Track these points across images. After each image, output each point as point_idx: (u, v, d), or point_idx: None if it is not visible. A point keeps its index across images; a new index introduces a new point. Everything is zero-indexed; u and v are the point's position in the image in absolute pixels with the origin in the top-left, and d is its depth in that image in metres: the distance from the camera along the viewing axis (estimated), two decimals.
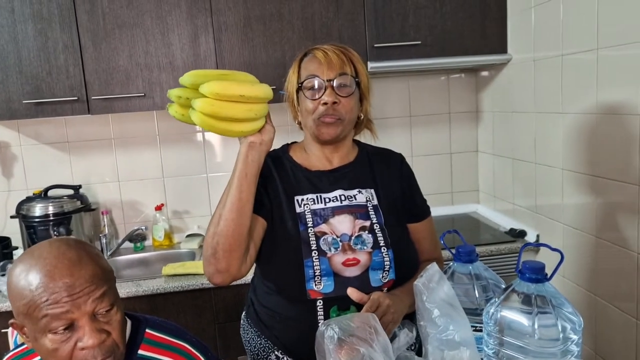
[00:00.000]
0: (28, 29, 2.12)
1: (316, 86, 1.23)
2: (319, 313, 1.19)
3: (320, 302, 1.19)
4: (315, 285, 1.19)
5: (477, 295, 1.14)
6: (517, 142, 2.35)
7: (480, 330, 1.08)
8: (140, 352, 1.05)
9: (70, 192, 2.44)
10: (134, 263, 2.50)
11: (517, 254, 2.23)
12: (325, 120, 1.23)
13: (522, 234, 2.31)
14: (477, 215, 2.77)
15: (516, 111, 2.33)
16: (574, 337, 0.98)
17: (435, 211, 2.91)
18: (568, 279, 2.00)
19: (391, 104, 2.72)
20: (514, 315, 1.00)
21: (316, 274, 1.18)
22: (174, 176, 2.63)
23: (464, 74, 2.75)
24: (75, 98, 2.18)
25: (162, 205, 2.59)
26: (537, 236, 2.21)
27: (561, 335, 0.97)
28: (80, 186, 2.47)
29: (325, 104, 1.21)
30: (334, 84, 1.22)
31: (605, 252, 1.77)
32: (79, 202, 2.40)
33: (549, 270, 1.00)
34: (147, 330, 1.08)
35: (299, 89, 1.26)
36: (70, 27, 2.14)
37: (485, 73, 2.63)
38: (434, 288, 1.09)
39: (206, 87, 1.03)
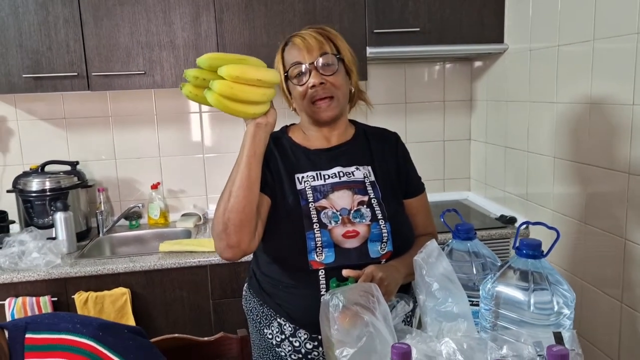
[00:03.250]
0: (29, 2, 2.11)
1: (301, 71, 1.27)
2: (321, 283, 1.24)
3: (322, 272, 1.23)
4: (317, 256, 1.23)
5: (474, 272, 1.19)
6: (510, 130, 2.40)
7: (477, 305, 1.13)
8: None
9: (67, 168, 2.45)
10: (130, 240, 2.52)
11: (507, 240, 2.29)
12: (320, 105, 1.28)
13: (512, 220, 2.36)
14: (468, 202, 2.82)
15: (510, 100, 2.37)
16: (567, 311, 1.03)
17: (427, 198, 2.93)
18: (556, 264, 2.06)
19: (387, 90, 2.75)
20: (511, 291, 1.04)
21: (317, 245, 1.22)
22: (171, 155, 2.65)
23: (459, 63, 2.78)
24: (75, 74, 2.18)
25: (158, 184, 2.61)
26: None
27: (555, 309, 1.02)
28: (77, 162, 2.48)
29: (313, 86, 1.26)
30: (318, 65, 1.26)
31: (593, 238, 1.83)
32: (75, 178, 2.41)
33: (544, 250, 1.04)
34: (27, 336, 0.96)
35: (287, 78, 1.31)
36: (71, 1, 2.13)
37: (480, 63, 2.67)
38: (433, 263, 1.13)
39: (225, 70, 1.07)
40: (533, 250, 1.04)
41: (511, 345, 0.95)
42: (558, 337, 0.93)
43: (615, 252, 1.72)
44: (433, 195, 2.80)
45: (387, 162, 1.38)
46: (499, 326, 1.06)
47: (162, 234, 2.51)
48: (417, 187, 1.43)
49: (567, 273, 1.99)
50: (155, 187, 2.59)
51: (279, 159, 1.33)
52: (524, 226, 2.27)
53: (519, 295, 1.03)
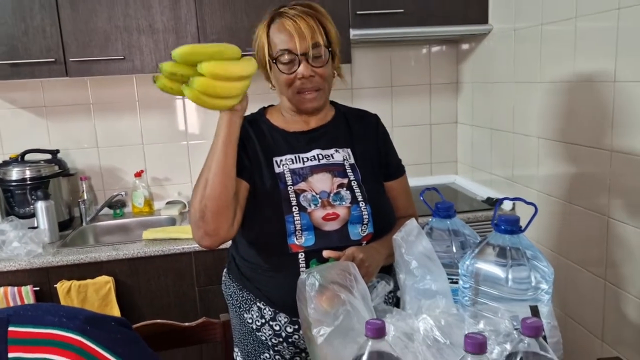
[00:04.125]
0: None
1: (289, 60, 1.22)
2: (301, 266, 1.22)
3: (302, 255, 1.22)
4: (297, 239, 1.21)
5: (454, 251, 1.18)
6: (495, 112, 2.38)
7: (457, 283, 1.12)
8: (10, 355, 0.89)
9: (48, 156, 2.41)
10: (114, 229, 2.49)
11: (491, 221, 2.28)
12: (306, 96, 1.24)
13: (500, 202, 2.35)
14: (456, 185, 2.81)
15: (495, 82, 2.36)
16: (545, 286, 1.02)
17: (414, 182, 2.94)
18: (542, 244, 2.06)
19: (372, 74, 2.72)
20: (489, 267, 1.03)
21: (297, 228, 1.21)
22: (154, 143, 2.61)
23: (445, 45, 2.76)
24: (53, 60, 2.14)
25: (142, 171, 2.58)
26: (513, 204, 2.27)
27: (533, 284, 1.01)
28: (57, 151, 2.44)
29: (302, 78, 1.22)
30: (309, 56, 1.21)
31: (578, 217, 1.83)
32: (56, 167, 2.37)
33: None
34: (10, 329, 0.90)
35: (272, 60, 1.25)
36: None
37: (465, 45, 2.65)
38: (412, 242, 1.12)
39: (206, 68, 1.03)
40: (511, 225, 1.03)
41: (488, 320, 0.94)
42: (534, 311, 0.92)
43: (598, 230, 1.72)
44: (420, 179, 2.81)
45: (367, 144, 1.36)
46: (479, 303, 1.05)
47: (146, 222, 2.49)
48: (397, 170, 1.41)
49: (553, 253, 1.99)
50: (139, 175, 2.56)
51: (257, 142, 1.30)
52: (511, 207, 2.27)
53: (497, 271, 1.02)
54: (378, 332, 0.81)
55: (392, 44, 2.69)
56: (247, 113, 1.38)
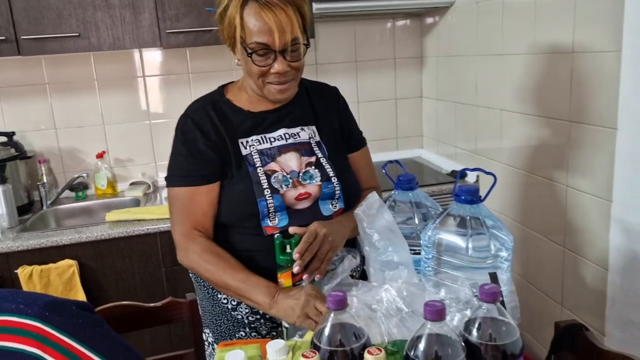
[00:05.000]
0: None
1: (265, 54, 1.15)
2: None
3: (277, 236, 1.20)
4: (270, 221, 1.20)
5: (417, 222, 1.19)
6: (459, 85, 2.40)
7: (419, 253, 1.13)
8: None
9: (3, 139, 2.33)
10: (76, 212, 2.43)
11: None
12: (277, 87, 1.19)
13: (462, 175, 2.39)
14: (421, 159, 2.84)
15: (458, 55, 2.37)
16: (504, 253, 1.04)
17: (380, 156, 2.94)
18: (505, 214, 2.10)
19: (337, 49, 2.70)
20: (450, 237, 1.05)
21: (270, 210, 1.19)
22: (115, 123, 2.55)
23: (409, 19, 2.75)
24: (3, 38, 2.04)
25: (104, 152, 2.51)
26: (477, 176, 2.30)
27: (492, 252, 1.03)
28: (13, 133, 2.35)
29: (276, 73, 1.16)
30: (286, 53, 1.15)
31: (539, 187, 1.87)
32: (13, 150, 2.29)
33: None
34: None
35: (245, 48, 1.16)
36: None
37: (429, 19, 2.65)
38: (374, 215, 1.13)
39: None
40: (471, 195, 1.05)
41: (449, 288, 0.96)
42: (493, 277, 0.94)
43: (558, 200, 1.76)
44: (386, 154, 2.82)
45: (330, 118, 1.35)
46: (441, 272, 1.07)
47: (110, 204, 2.44)
48: (359, 141, 1.40)
49: (515, 223, 2.04)
50: (100, 156, 2.49)
51: (221, 127, 1.25)
52: (475, 180, 2.31)
53: (457, 240, 1.04)
54: (339, 304, 0.81)
55: (356, 18, 2.67)
56: (204, 93, 1.35)
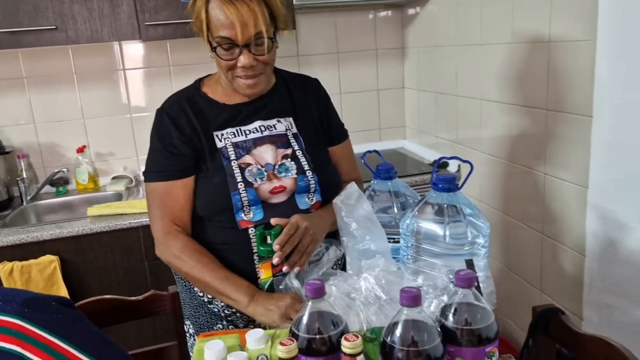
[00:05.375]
0: None
1: (230, 48, 1.15)
2: (252, 240, 1.21)
3: (252, 230, 1.21)
4: (245, 215, 1.20)
5: (395, 211, 1.20)
6: (439, 76, 2.41)
7: (399, 242, 1.15)
8: None
9: None
10: (57, 207, 2.41)
11: None
12: (246, 82, 1.19)
13: (444, 164, 2.41)
14: (404, 150, 2.85)
15: (439, 45, 2.38)
16: (481, 240, 1.06)
17: (363, 147, 2.94)
18: (485, 203, 2.13)
19: (318, 40, 2.70)
20: (428, 225, 1.06)
21: (244, 204, 1.19)
22: (96, 117, 2.52)
23: (390, 10, 2.76)
24: None
25: (84, 147, 2.49)
26: (459, 166, 2.32)
27: (469, 239, 1.04)
28: None
29: (243, 67, 1.16)
30: (250, 47, 1.14)
31: (518, 176, 1.90)
32: None
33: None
34: None
35: (211, 42, 1.17)
36: None
37: (411, 10, 2.65)
38: (352, 205, 1.14)
39: None
40: (448, 184, 1.06)
41: (427, 275, 0.97)
42: (469, 264, 0.96)
43: (536, 187, 1.79)
44: (369, 145, 2.80)
45: (310, 110, 1.34)
46: (420, 260, 1.08)
47: (92, 199, 2.42)
48: (340, 134, 1.40)
49: (496, 211, 2.06)
50: (81, 150, 2.47)
51: (195, 120, 1.25)
52: (457, 169, 2.33)
53: (435, 228, 1.05)
54: (317, 292, 0.82)
55: (337, 9, 2.67)
56: (185, 85, 1.34)
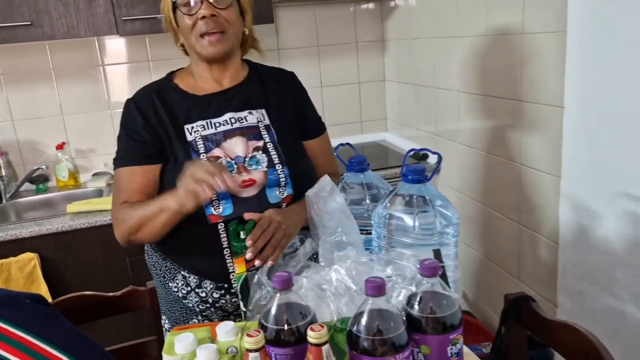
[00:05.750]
0: None
1: (190, 1, 1.19)
2: (221, 235, 1.22)
3: (221, 225, 1.21)
4: (215, 209, 1.20)
5: (368, 203, 1.22)
6: (418, 68, 2.43)
7: (371, 233, 1.16)
8: None
9: None
10: (37, 205, 2.40)
11: None
12: (209, 39, 1.20)
13: (424, 156, 2.43)
14: (386, 142, 2.87)
15: (418, 38, 2.39)
16: (450, 230, 1.08)
17: (345, 140, 2.96)
18: (464, 194, 2.15)
19: (298, 34, 2.70)
20: (398, 216, 1.08)
21: (213, 199, 1.19)
22: (75, 113, 2.50)
23: (370, 3, 2.76)
24: None
25: (64, 143, 2.47)
26: (438, 157, 2.34)
27: (439, 229, 1.06)
28: None
29: (203, 17, 1.18)
30: None
31: (496, 167, 1.92)
32: None
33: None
34: None
35: (174, 7, 1.22)
36: None
37: (391, 3, 2.66)
38: (325, 197, 1.15)
39: None
40: (417, 175, 1.07)
41: (396, 265, 0.99)
42: (437, 254, 0.98)
43: (513, 177, 1.81)
44: (351, 138, 2.80)
45: (284, 103, 1.34)
46: (392, 250, 1.10)
47: (72, 196, 2.40)
48: (316, 128, 1.41)
49: (475, 202, 2.09)
50: (60, 147, 2.45)
51: (165, 113, 1.26)
52: (436, 160, 2.35)
53: (406, 219, 1.07)
54: (284, 284, 0.83)
55: (317, 2, 2.66)
56: (154, 79, 1.36)
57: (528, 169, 1.73)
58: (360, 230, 1.17)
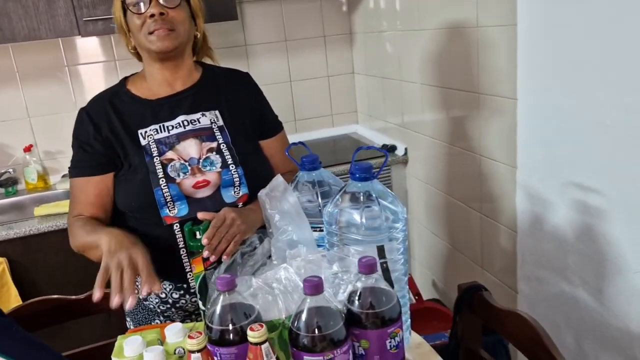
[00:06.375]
0: None
1: (140, 1, 1.20)
2: (177, 236, 1.24)
3: (177, 226, 1.23)
4: (170, 211, 1.22)
5: (320, 201, 1.24)
6: (385, 61, 2.45)
7: (323, 230, 1.18)
8: None
9: None
10: (6, 208, 2.38)
11: (388, 167, 2.39)
12: (158, 34, 1.21)
13: (393, 148, 2.46)
14: (357, 135, 2.89)
15: (383, 31, 2.41)
16: (398, 225, 1.10)
17: (316, 134, 2.98)
18: (431, 185, 2.19)
19: (265, 29, 2.70)
20: (347, 213, 1.10)
21: (167, 200, 1.21)
22: (42, 115, 2.49)
23: None
24: None
25: (31, 146, 2.46)
26: (405, 149, 2.38)
27: (386, 225, 1.09)
28: None
29: (152, 15, 1.19)
30: None
31: (457, 158, 1.96)
32: None
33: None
34: None
35: (124, 8, 1.23)
36: None
37: None
38: (277, 197, 1.16)
39: None
40: (364, 173, 1.10)
41: (342, 262, 1.01)
42: (380, 250, 1.00)
43: (473, 168, 1.85)
44: (322, 132, 2.87)
45: (238, 103, 1.36)
46: (344, 247, 1.12)
47: (42, 198, 2.40)
48: (273, 127, 1.42)
49: (441, 192, 2.12)
50: (28, 149, 2.44)
51: (118, 121, 1.27)
52: (403, 152, 2.38)
53: (354, 216, 1.09)
54: (227, 285, 0.86)
55: None
56: (109, 85, 1.37)
57: (487, 160, 1.77)
58: (315, 227, 1.19)
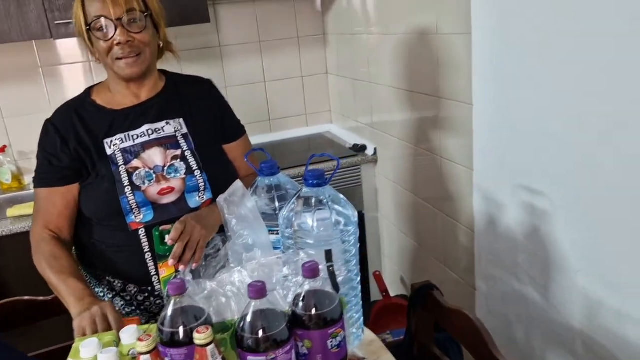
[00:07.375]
0: None
1: (105, 27, 1.22)
2: (142, 241, 1.28)
3: (142, 231, 1.27)
4: (135, 217, 1.26)
5: (277, 205, 1.29)
6: (355, 62, 2.50)
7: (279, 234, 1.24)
8: None
9: None
10: None
11: (358, 167, 2.45)
12: (126, 62, 1.24)
13: (363, 148, 2.52)
14: (330, 134, 2.94)
15: (354, 33, 2.46)
16: (350, 228, 1.16)
17: (291, 133, 3.02)
18: (399, 184, 2.25)
19: (239, 30, 2.73)
20: (300, 217, 1.16)
21: (133, 207, 1.25)
22: (16, 116, 2.51)
23: None
24: None
25: (5, 147, 2.48)
26: (375, 149, 2.43)
27: (338, 228, 1.14)
28: None
29: (119, 43, 1.22)
30: (124, 22, 1.21)
31: (421, 159, 2.02)
32: None
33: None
34: None
35: (89, 30, 1.24)
36: None
37: None
38: (236, 202, 1.21)
39: None
40: (317, 179, 1.15)
41: (291, 265, 1.07)
42: (328, 254, 1.06)
43: (435, 169, 1.91)
44: (296, 131, 2.92)
45: (201, 110, 1.40)
46: (297, 250, 1.18)
47: (17, 198, 2.42)
48: (235, 132, 1.47)
49: (408, 192, 2.19)
50: (2, 150, 2.46)
51: (84, 132, 1.30)
52: (372, 152, 2.44)
53: (307, 220, 1.14)
54: (177, 289, 0.91)
55: None
56: (95, 79, 1.39)
57: (447, 162, 1.83)
58: (272, 230, 1.24)
